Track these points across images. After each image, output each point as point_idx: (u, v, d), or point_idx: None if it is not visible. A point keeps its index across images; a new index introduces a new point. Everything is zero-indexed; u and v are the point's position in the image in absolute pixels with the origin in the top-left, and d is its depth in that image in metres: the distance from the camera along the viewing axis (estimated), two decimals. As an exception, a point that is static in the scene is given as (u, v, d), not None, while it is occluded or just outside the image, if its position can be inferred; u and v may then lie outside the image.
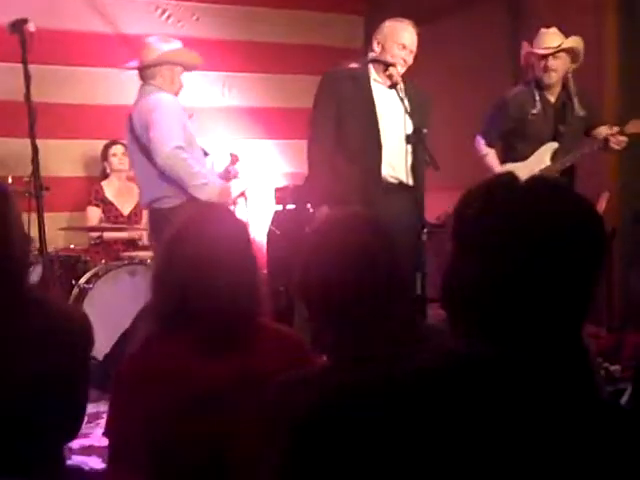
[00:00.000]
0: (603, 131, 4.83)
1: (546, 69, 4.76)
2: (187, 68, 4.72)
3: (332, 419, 1.13)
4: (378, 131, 4.28)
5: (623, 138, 4.70)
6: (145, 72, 4.62)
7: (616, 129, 4.72)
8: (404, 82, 4.29)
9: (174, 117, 4.43)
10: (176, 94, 4.61)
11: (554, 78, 4.77)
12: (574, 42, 4.78)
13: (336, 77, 4.39)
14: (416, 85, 4.41)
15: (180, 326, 2.00)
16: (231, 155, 5.08)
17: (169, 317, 2.02)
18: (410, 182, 4.32)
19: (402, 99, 4.23)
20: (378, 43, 4.34)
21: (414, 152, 4.24)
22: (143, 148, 4.48)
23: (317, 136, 4.30)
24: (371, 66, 4.38)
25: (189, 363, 1.97)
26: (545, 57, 4.73)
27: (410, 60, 4.35)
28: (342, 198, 3.98)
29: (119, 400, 2.00)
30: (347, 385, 1.19)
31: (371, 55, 4.37)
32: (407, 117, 4.26)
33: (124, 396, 1.99)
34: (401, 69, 4.31)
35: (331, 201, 4.09)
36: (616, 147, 4.74)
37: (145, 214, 5.59)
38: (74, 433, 1.46)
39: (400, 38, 4.31)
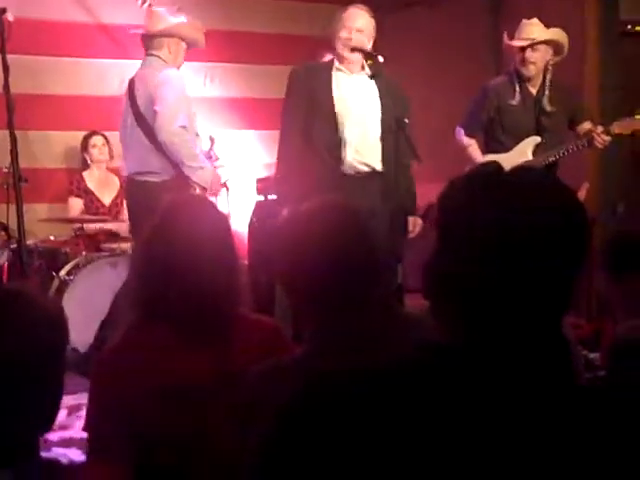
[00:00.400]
0: (586, 127, 4.84)
1: (524, 61, 4.75)
2: (190, 45, 4.70)
3: (317, 406, 1.14)
4: (335, 121, 4.30)
5: (607, 137, 4.71)
6: (151, 41, 4.60)
7: (601, 128, 4.73)
8: (375, 68, 4.29)
9: (182, 95, 4.45)
10: (178, 68, 4.60)
11: (532, 71, 4.77)
12: (553, 34, 4.78)
13: (301, 72, 4.43)
14: (393, 80, 4.42)
15: (159, 316, 2.00)
16: (210, 138, 5.09)
17: (148, 306, 2.02)
18: (381, 168, 4.34)
19: (374, 79, 4.30)
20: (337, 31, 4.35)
21: (396, 141, 4.24)
22: (140, 118, 4.47)
23: (284, 134, 4.37)
24: (334, 56, 4.41)
25: (168, 354, 1.97)
26: (523, 49, 4.73)
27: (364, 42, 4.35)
28: (308, 194, 4.02)
29: (98, 392, 2.00)
30: (331, 372, 1.19)
31: (352, 44, 4.37)
32: (379, 102, 4.33)
33: (103, 388, 1.98)
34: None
35: (297, 198, 4.12)
36: (600, 146, 4.76)
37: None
38: (47, 425, 1.46)
39: (355, 22, 4.32)
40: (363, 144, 4.33)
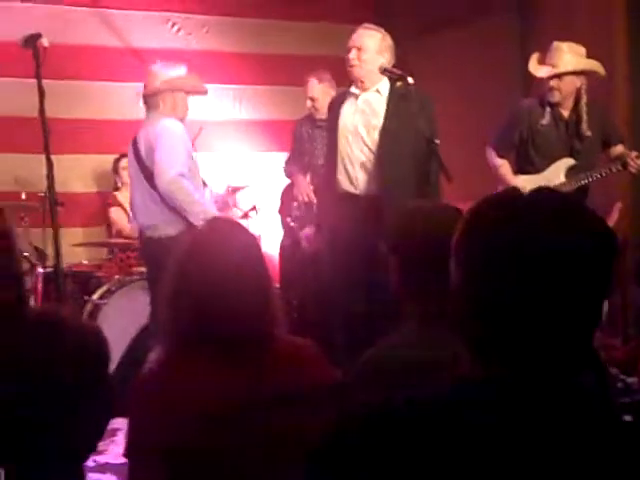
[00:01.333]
0: (619, 150, 4.79)
1: (550, 88, 4.73)
2: (190, 92, 4.74)
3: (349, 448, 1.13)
4: (335, 143, 4.47)
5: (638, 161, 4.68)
6: (148, 100, 4.65)
7: (635, 153, 4.69)
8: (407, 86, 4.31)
9: (180, 143, 4.45)
10: (182, 119, 4.62)
11: (557, 97, 4.72)
12: (578, 64, 4.71)
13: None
14: (417, 88, 4.41)
15: (194, 343, 2.00)
16: (228, 187, 5.12)
17: (183, 335, 2.01)
18: (370, 191, 4.42)
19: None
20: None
21: (425, 163, 4.24)
22: (145, 171, 4.50)
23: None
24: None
25: (206, 380, 1.96)
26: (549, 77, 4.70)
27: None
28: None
29: (137, 420, 1.99)
30: (366, 411, 1.18)
31: (382, 66, 4.39)
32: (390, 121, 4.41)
33: (142, 416, 1.98)
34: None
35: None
36: (634, 171, 4.72)
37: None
38: (90, 451, 1.46)
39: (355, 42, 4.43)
40: (363, 161, 4.44)
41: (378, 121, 4.41)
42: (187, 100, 4.70)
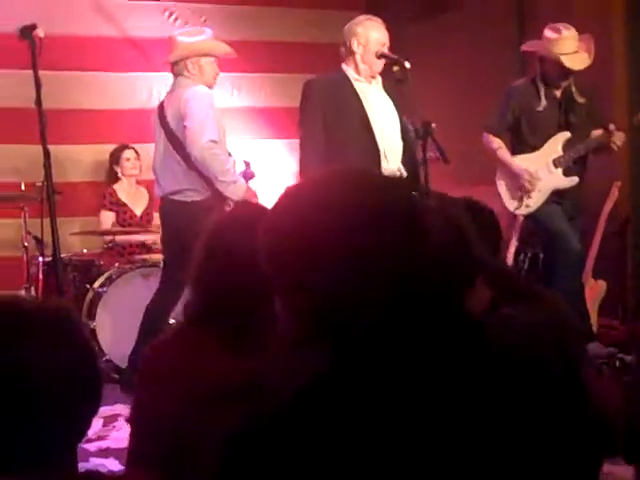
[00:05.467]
0: (598, 133, 4.87)
1: (565, 75, 4.74)
2: (217, 55, 4.72)
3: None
4: (373, 133, 4.35)
5: (620, 134, 4.74)
6: (174, 68, 4.67)
7: (613, 126, 4.75)
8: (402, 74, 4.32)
9: (210, 109, 4.48)
10: (211, 85, 4.64)
11: (569, 81, 4.80)
12: (590, 49, 4.76)
13: (318, 84, 4.47)
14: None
15: (209, 322, 2.00)
16: (245, 162, 5.11)
17: (201, 312, 2.03)
18: (405, 173, 4.40)
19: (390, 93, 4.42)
20: (358, 43, 4.38)
21: (423, 146, 4.26)
22: (172, 138, 4.51)
23: (307, 146, 4.40)
24: (349, 67, 4.44)
25: (217, 358, 1.97)
26: (562, 64, 4.71)
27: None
28: None
29: (143, 388, 2.01)
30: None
31: (379, 51, 4.39)
32: (395, 109, 4.42)
33: (148, 386, 1.99)
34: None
35: None
36: (615, 145, 4.77)
37: (156, 217, 5.60)
38: (83, 432, 1.47)
39: (379, 37, 4.39)
40: (392, 151, 4.37)
41: (393, 110, 4.45)
42: (215, 64, 4.69)
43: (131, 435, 2.03)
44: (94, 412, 1.47)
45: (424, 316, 1.18)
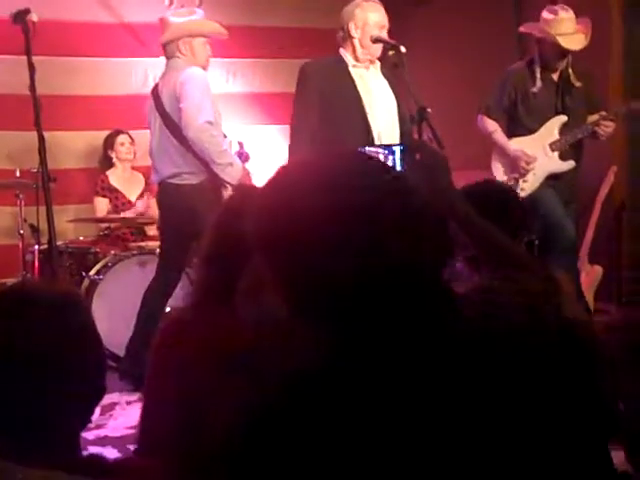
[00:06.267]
0: (594, 118, 4.85)
1: (562, 56, 4.73)
2: (208, 35, 4.69)
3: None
4: (367, 119, 4.32)
5: (610, 124, 4.73)
6: (166, 49, 4.65)
7: (604, 114, 4.75)
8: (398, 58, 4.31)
9: (205, 91, 4.46)
10: (204, 66, 4.61)
11: (566, 63, 4.78)
12: (586, 31, 4.74)
13: (314, 68, 4.43)
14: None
15: (222, 300, 2.00)
16: (239, 143, 5.10)
17: (211, 290, 2.02)
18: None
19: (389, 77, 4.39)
20: (356, 26, 4.34)
21: (418, 132, 4.25)
22: (168, 120, 4.50)
23: (297, 130, 4.37)
24: (347, 53, 4.40)
25: (226, 332, 1.95)
26: (560, 46, 4.69)
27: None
28: None
29: (158, 359, 1.99)
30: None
31: (375, 36, 4.36)
32: (393, 94, 4.40)
33: (163, 357, 1.97)
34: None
35: None
36: (603, 133, 4.77)
37: (153, 203, 5.59)
38: (87, 418, 1.47)
39: (379, 19, 4.34)
40: (389, 135, 4.35)
41: (391, 94, 4.43)
42: (206, 45, 4.67)
43: (143, 410, 2.02)
44: (99, 398, 1.48)
45: (410, 297, 1.20)
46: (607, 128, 4.76)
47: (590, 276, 5.18)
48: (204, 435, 1.70)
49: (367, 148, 4.13)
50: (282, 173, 1.26)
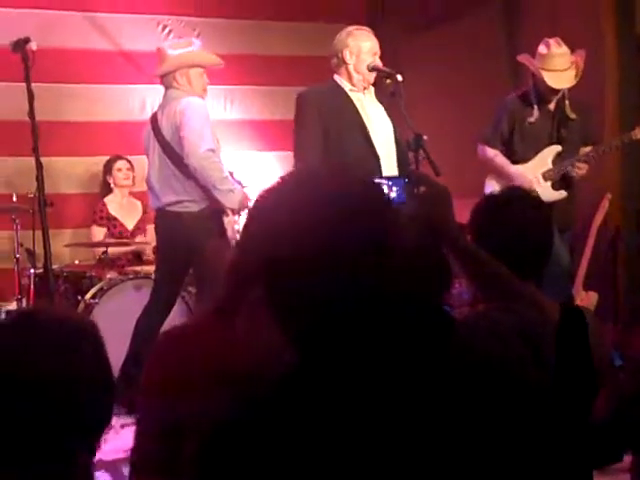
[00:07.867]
0: (587, 149, 4.90)
1: (553, 91, 4.78)
2: (205, 66, 4.73)
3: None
4: (371, 142, 4.35)
5: (584, 165, 4.78)
6: (163, 80, 4.69)
7: (594, 148, 4.80)
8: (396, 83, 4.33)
9: (205, 119, 4.50)
10: (202, 96, 4.65)
11: (562, 94, 4.83)
12: (579, 65, 4.78)
13: (312, 95, 4.44)
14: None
15: (230, 313, 1.99)
16: (229, 172, 5.13)
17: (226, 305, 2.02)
18: None
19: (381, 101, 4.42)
20: (351, 53, 4.39)
21: (415, 158, 4.27)
22: (168, 149, 4.52)
23: (303, 158, 4.29)
24: (342, 78, 4.44)
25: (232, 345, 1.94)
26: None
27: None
28: None
29: (151, 372, 1.98)
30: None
31: (371, 64, 4.40)
32: (389, 120, 4.43)
33: (157, 372, 1.96)
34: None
35: None
36: (575, 177, 4.82)
37: (150, 229, 5.60)
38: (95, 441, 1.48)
39: (372, 46, 4.40)
40: (389, 160, 4.39)
41: (387, 120, 4.46)
42: (203, 75, 4.70)
43: (137, 426, 2.01)
44: (107, 423, 1.47)
45: (398, 315, 1.20)
46: (580, 170, 4.80)
47: (584, 303, 5.18)
48: (185, 450, 1.72)
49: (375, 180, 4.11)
50: (281, 185, 1.28)
